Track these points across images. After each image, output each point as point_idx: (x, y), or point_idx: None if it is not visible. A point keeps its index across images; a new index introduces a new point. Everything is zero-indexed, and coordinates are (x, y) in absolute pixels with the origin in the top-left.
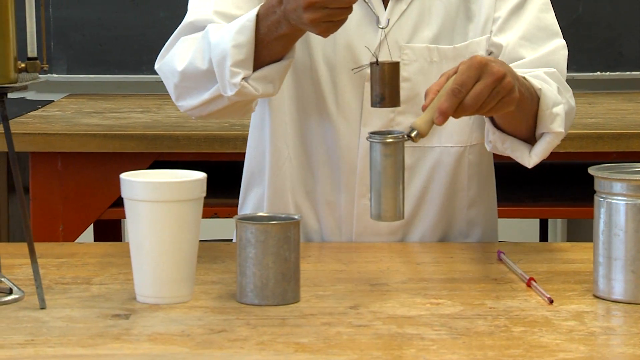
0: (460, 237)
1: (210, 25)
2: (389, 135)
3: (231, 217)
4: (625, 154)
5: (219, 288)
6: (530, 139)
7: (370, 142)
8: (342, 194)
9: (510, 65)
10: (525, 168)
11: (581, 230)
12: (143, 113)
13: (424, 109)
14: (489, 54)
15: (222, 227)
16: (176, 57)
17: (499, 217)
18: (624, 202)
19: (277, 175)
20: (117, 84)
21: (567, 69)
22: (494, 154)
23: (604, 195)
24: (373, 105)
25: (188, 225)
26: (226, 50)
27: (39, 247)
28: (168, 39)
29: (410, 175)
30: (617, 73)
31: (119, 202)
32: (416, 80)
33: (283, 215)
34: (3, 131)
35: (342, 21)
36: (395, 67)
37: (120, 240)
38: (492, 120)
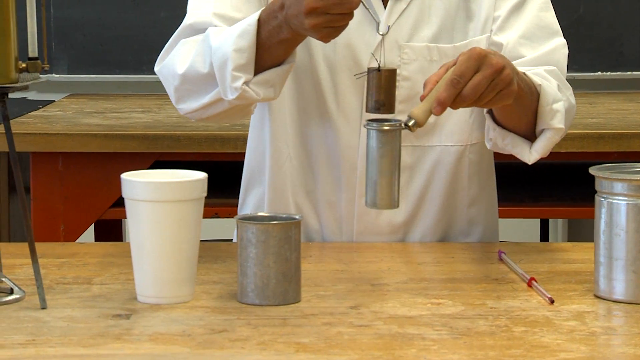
0: (461, 236)
1: (211, 28)
2: (386, 123)
3: (232, 217)
4: (626, 154)
5: (219, 288)
6: (531, 136)
7: (368, 129)
8: (343, 194)
9: None
10: (526, 168)
11: (582, 230)
12: (144, 113)
13: (422, 99)
14: None
15: (223, 227)
16: (176, 60)
17: (499, 217)
18: (624, 202)
19: (278, 175)
20: (118, 84)
21: (568, 68)
22: (494, 153)
23: (604, 195)
24: (370, 111)
25: (189, 225)
26: (227, 54)
27: (39, 247)
28: (169, 39)
29: (411, 174)
30: (618, 73)
31: (119, 202)
32: (416, 79)
33: (284, 215)
34: (4, 131)
35: (343, 27)
36: (393, 74)
37: (121, 240)
38: (492, 117)
